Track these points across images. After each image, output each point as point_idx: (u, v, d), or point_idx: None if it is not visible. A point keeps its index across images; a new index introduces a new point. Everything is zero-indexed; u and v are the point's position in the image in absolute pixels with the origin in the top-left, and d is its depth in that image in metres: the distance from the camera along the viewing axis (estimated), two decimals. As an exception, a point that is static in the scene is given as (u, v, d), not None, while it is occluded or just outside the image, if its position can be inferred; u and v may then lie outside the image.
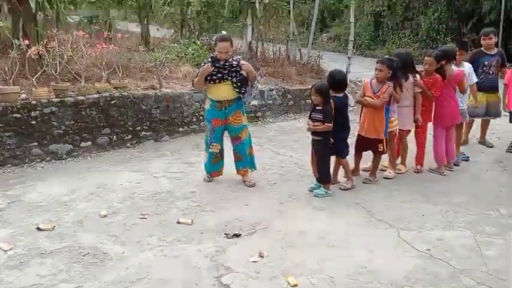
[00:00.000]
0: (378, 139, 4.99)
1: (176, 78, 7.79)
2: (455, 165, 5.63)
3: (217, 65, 4.74)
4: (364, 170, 5.39)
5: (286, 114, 8.33)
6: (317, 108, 4.71)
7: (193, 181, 5.13)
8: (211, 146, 5.03)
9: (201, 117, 6.96)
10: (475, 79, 5.92)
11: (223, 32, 5.28)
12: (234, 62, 4.81)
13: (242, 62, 4.87)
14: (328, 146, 4.76)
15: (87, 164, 5.65)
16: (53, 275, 3.24)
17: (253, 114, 7.80)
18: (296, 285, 3.15)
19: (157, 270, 3.32)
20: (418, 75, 5.23)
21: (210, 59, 4.84)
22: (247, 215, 4.27)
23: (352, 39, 10.56)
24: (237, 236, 3.88)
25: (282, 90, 8.38)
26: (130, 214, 4.26)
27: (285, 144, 6.65)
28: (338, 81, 4.83)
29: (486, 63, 6.14)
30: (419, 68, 5.56)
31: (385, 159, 5.36)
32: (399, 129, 5.29)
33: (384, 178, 5.24)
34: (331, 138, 4.74)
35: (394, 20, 16.68)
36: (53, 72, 6.04)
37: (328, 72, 5.61)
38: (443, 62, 5.24)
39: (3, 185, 4.89)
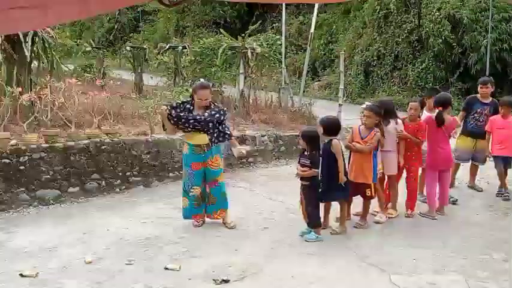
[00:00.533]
0: (366, 184, 4.97)
1: (168, 125, 7.84)
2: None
3: (198, 118, 4.80)
4: (355, 215, 5.34)
5: (277, 159, 8.36)
6: (304, 153, 4.77)
7: (182, 226, 5.04)
8: (192, 190, 4.96)
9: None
10: None
11: (202, 80, 5.40)
12: (215, 113, 4.88)
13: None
14: (316, 191, 4.77)
15: (75, 210, 5.56)
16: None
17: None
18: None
19: (141, 318, 3.20)
20: (399, 121, 5.31)
21: (189, 102, 4.89)
22: (237, 260, 4.18)
23: (343, 87, 10.81)
24: (226, 281, 3.78)
25: (274, 136, 8.45)
26: (117, 260, 4.15)
27: (276, 189, 6.61)
28: (329, 126, 4.88)
29: (479, 110, 6.25)
30: (402, 115, 5.67)
31: (376, 203, 5.33)
32: (386, 174, 5.32)
33: (375, 223, 5.19)
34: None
35: (383, 70, 17.14)
36: (44, 119, 6.08)
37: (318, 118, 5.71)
38: (440, 108, 5.35)
39: (-13, 231, 4.79)
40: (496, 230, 4.98)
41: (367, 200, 5.11)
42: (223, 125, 5.01)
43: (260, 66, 11.30)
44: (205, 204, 5.06)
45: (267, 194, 6.36)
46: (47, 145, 5.75)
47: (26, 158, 5.55)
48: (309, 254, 4.36)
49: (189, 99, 5.02)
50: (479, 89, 6.37)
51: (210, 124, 4.84)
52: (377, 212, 5.37)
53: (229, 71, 13.59)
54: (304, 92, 12.27)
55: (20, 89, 5.96)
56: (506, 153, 6.07)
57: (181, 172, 6.98)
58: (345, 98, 11.90)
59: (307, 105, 10.48)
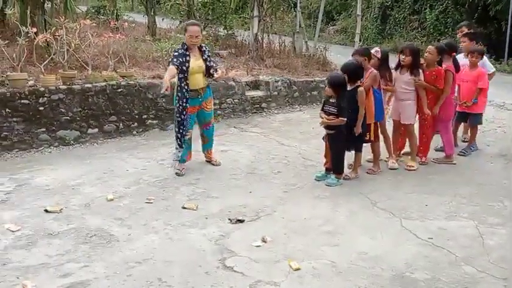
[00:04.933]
0: (366, 127, 4.93)
1: (182, 68, 7.82)
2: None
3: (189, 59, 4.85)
4: (368, 161, 5.42)
5: (291, 105, 8.35)
6: (330, 101, 4.69)
7: (198, 168, 5.18)
8: (187, 134, 5.04)
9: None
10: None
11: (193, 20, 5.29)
12: (205, 49, 5.03)
13: (215, 75, 5.02)
14: (342, 139, 4.75)
15: (94, 150, 5.72)
16: (61, 255, 3.31)
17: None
18: (298, 270, 3.20)
19: (162, 252, 3.38)
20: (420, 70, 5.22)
21: (181, 47, 4.88)
22: (251, 202, 4.32)
23: (359, 32, 10.56)
24: (241, 221, 3.93)
25: (288, 81, 8.39)
26: (136, 199, 4.32)
27: (289, 135, 6.68)
28: (352, 71, 4.80)
29: None
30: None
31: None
32: (402, 123, 5.34)
33: (389, 169, 5.27)
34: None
35: (402, 14, 16.61)
36: (61, 60, 6.10)
37: (339, 64, 5.65)
38: (454, 54, 5.26)
39: (11, 168, 4.97)
40: (508, 178, 5.04)
41: (372, 145, 5.15)
42: (213, 61, 5.17)
43: (274, 9, 11.03)
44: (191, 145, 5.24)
45: (280, 139, 6.44)
46: (65, 87, 5.82)
47: (45, 99, 5.64)
48: (321, 198, 4.48)
49: (180, 46, 4.94)
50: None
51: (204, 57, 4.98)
52: (388, 159, 5.44)
53: (242, 14, 13.30)
54: (319, 36, 12.02)
55: (35, 29, 5.93)
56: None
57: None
58: (360, 43, 11.63)
59: (321, 50, 10.30)
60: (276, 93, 8.16)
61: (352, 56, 5.10)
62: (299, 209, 4.22)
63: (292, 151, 5.92)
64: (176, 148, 5.06)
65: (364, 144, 5.09)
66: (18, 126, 5.48)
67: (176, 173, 4.97)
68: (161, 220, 3.91)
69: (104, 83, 6.15)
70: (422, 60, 5.33)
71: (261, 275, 3.12)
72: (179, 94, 4.89)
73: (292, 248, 3.50)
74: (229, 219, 3.96)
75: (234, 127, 7.03)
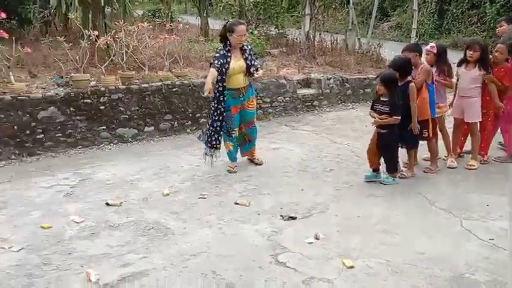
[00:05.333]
0: (424, 124, 4.79)
1: (234, 68, 7.93)
2: None
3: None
4: (425, 160, 5.25)
5: (343, 103, 8.25)
6: (382, 99, 4.58)
7: (250, 166, 5.24)
8: (232, 132, 5.07)
9: (258, 105, 7.05)
10: None
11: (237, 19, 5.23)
12: (246, 48, 4.96)
13: (256, 75, 4.96)
14: (395, 138, 4.64)
15: (151, 148, 5.93)
16: (121, 246, 3.46)
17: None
18: (352, 267, 3.16)
19: (216, 246, 3.45)
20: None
21: (223, 47, 4.86)
22: (303, 199, 4.31)
23: (415, 27, 10.23)
24: (293, 218, 3.93)
25: (340, 79, 8.29)
26: (191, 194, 4.44)
27: (342, 133, 6.60)
28: (401, 66, 4.68)
29: None
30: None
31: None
32: (466, 121, 5.12)
33: (448, 168, 5.09)
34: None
35: (460, 8, 15.92)
36: (120, 61, 6.37)
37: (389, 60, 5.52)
38: None
39: (75, 164, 5.25)
40: None
41: (428, 142, 4.98)
42: (255, 60, 5.08)
43: (326, 7, 10.92)
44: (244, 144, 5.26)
45: (332, 137, 6.37)
46: (123, 86, 6.08)
47: (106, 98, 5.92)
48: (376, 196, 4.40)
49: (221, 46, 4.94)
50: None
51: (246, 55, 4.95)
52: (446, 157, 5.25)
53: (293, 13, 13.27)
54: (372, 33, 11.77)
55: (96, 32, 6.23)
56: None
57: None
58: (416, 39, 11.26)
59: (375, 47, 10.09)
60: (328, 91, 8.09)
61: (402, 52, 4.96)
62: (352, 207, 4.17)
63: (345, 149, 5.84)
64: (206, 147, 5.06)
65: (420, 142, 4.95)
66: (81, 124, 5.79)
67: (228, 171, 5.04)
68: (214, 215, 3.99)
69: (160, 83, 6.36)
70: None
71: (314, 271, 3.12)
72: (215, 94, 4.93)
73: (346, 246, 3.46)
74: (281, 215, 3.98)
75: (285, 125, 7.04)
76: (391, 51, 10.17)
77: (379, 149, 4.72)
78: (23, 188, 4.56)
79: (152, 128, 6.29)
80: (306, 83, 8.17)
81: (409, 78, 4.69)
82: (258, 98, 7.07)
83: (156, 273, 3.09)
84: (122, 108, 6.04)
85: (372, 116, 4.66)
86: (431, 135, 4.92)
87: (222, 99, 4.89)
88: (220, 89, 4.87)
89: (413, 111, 4.62)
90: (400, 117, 4.51)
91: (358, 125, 6.93)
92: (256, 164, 5.25)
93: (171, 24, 7.99)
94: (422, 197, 4.35)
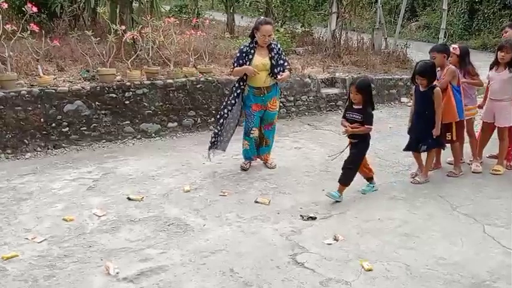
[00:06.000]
0: (448, 127, 4.69)
1: (258, 65, 7.93)
2: None
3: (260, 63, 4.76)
4: (448, 163, 5.15)
5: (368, 103, 8.13)
6: (355, 107, 4.24)
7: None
8: (252, 132, 5.00)
9: (281, 104, 7.03)
10: None
11: (265, 18, 5.07)
12: (275, 54, 4.79)
13: (279, 77, 4.78)
14: (365, 150, 4.36)
15: (173, 143, 5.98)
16: (141, 240, 3.50)
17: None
18: (370, 270, 3.12)
19: (235, 244, 3.46)
20: None
21: (249, 44, 4.81)
22: (324, 200, 4.27)
23: (444, 27, 10.02)
24: (313, 218, 3.91)
25: (365, 79, 8.18)
26: (211, 191, 4.46)
27: (365, 133, 6.51)
28: (428, 71, 4.54)
29: None
30: None
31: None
32: (497, 125, 4.99)
33: (473, 172, 4.97)
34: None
35: (491, 8, 15.49)
36: (146, 56, 6.44)
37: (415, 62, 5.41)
38: None
39: (99, 158, 5.34)
40: None
41: (452, 145, 4.88)
42: (283, 60, 4.89)
43: (354, 6, 10.79)
44: (260, 146, 5.13)
45: (356, 137, 6.29)
46: (148, 82, 6.15)
47: (131, 93, 6.00)
48: (397, 199, 4.33)
49: (246, 43, 4.93)
50: None
51: (273, 54, 4.80)
52: (471, 161, 5.13)
53: (320, 10, 13.17)
54: (399, 33, 11.59)
55: (123, 27, 6.32)
56: None
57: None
58: (445, 40, 11.03)
59: (402, 47, 9.92)
60: (352, 90, 7.99)
61: (429, 53, 4.85)
62: (373, 209, 4.12)
63: (368, 150, 5.75)
64: (210, 144, 5.01)
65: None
66: (106, 119, 5.88)
67: (242, 168, 5.04)
68: (234, 213, 4.00)
69: (184, 79, 6.41)
70: None
71: (332, 273, 3.09)
72: (233, 89, 4.93)
73: (365, 248, 3.42)
74: (301, 215, 3.96)
75: (308, 124, 7.00)
76: (418, 51, 10.02)
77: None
78: (47, 180, 4.67)
79: (175, 124, 6.35)
80: (331, 82, 8.10)
81: (434, 82, 4.59)
82: (282, 96, 7.05)
83: (175, 268, 3.12)
84: (146, 104, 6.11)
85: (343, 125, 4.34)
86: (454, 139, 4.81)
87: (237, 96, 4.86)
88: (237, 85, 4.86)
89: (437, 117, 4.52)
90: (372, 127, 4.24)
91: (382, 126, 6.83)
92: (269, 168, 5.11)
93: (198, 20, 8.02)
94: (444, 201, 4.27)
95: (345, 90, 7.91)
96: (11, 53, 5.59)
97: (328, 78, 8.11)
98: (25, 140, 5.44)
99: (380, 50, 10.12)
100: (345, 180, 4.27)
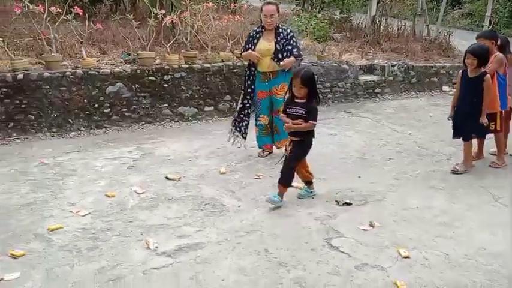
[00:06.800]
0: (492, 116, 4.53)
1: (296, 51, 7.87)
2: None
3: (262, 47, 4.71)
4: (492, 154, 4.99)
5: (407, 91, 7.97)
6: (297, 101, 3.76)
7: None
8: (259, 118, 4.95)
9: (317, 90, 6.98)
10: None
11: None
12: (281, 39, 4.67)
13: (283, 62, 4.65)
14: (308, 149, 3.92)
15: (209, 127, 6.06)
16: (178, 218, 3.59)
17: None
18: (408, 257, 3.08)
19: (269, 226, 3.49)
20: None
21: (257, 28, 4.81)
22: (359, 186, 4.24)
23: (489, 15, 9.63)
24: (348, 204, 3.89)
25: (405, 66, 8.00)
26: (246, 174, 4.50)
27: (404, 122, 6.40)
28: (481, 55, 4.35)
29: None
30: None
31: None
32: None
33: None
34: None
35: (541, -5, 14.77)
36: (184, 41, 6.51)
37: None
38: None
39: (139, 139, 5.48)
40: None
41: (495, 135, 4.72)
42: (292, 45, 4.72)
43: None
44: (273, 134, 4.99)
45: (394, 126, 6.20)
46: (186, 66, 6.23)
47: (169, 77, 6.10)
48: (437, 189, 4.24)
49: (256, 27, 4.90)
50: None
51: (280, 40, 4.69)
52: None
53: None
54: (442, 20, 11.22)
55: (163, 11, 6.40)
56: None
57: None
58: (490, 27, 10.60)
59: (444, 34, 9.61)
60: (391, 78, 7.84)
61: (476, 39, 4.68)
62: (411, 197, 4.05)
63: (406, 139, 5.66)
64: (232, 130, 5.02)
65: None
66: (145, 101, 6.01)
67: (259, 155, 5.01)
68: (268, 196, 4.01)
69: (221, 63, 6.45)
70: None
71: (368, 258, 3.07)
72: (245, 77, 4.92)
73: (402, 236, 3.38)
74: (336, 201, 3.94)
75: (345, 111, 6.93)
76: (461, 39, 9.69)
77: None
78: (90, 158, 4.84)
79: (212, 108, 6.41)
80: (369, 69, 7.97)
81: (483, 68, 4.43)
82: (318, 82, 6.99)
83: (211, 246, 3.18)
84: (183, 87, 6.20)
85: (284, 121, 3.86)
86: (498, 129, 4.65)
87: (249, 83, 4.87)
88: (248, 72, 4.86)
89: (485, 104, 4.37)
90: (316, 122, 3.78)
91: (422, 114, 6.69)
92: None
93: (235, 5, 8.03)
94: (486, 192, 4.15)
95: (383, 78, 7.77)
96: (56, 35, 5.77)
97: (367, 65, 7.97)
98: (69, 120, 5.64)
99: (421, 37, 9.85)
100: (285, 180, 3.82)
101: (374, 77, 7.80)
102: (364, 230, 3.46)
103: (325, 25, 9.17)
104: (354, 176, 4.52)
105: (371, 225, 3.53)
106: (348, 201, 3.93)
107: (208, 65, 6.37)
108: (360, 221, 3.59)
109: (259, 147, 5.06)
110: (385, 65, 7.82)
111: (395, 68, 7.89)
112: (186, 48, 6.48)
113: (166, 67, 6.12)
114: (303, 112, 3.72)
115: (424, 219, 3.64)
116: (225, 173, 4.51)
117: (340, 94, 7.42)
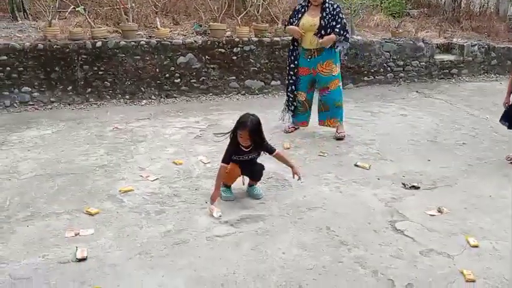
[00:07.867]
0: None
1: (368, 27, 7.62)
2: None
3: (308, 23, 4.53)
4: None
5: (486, 73, 7.48)
6: (245, 150, 3.43)
7: (373, 130, 5.08)
8: (297, 94, 4.84)
9: (389, 68, 6.74)
10: None
11: None
12: (326, 14, 4.47)
13: (321, 40, 4.46)
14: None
15: (275, 101, 6.05)
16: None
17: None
18: (476, 246, 2.94)
19: (332, 203, 3.46)
20: None
21: (303, 2, 4.62)
22: (429, 170, 4.08)
23: None
24: (416, 188, 3.75)
25: (486, 47, 7.49)
26: (311, 150, 4.47)
27: (481, 105, 6.03)
28: None
29: None
30: None
31: None
32: None
33: None
34: None
35: None
36: (255, 13, 6.48)
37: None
38: None
39: (206, 110, 5.60)
40: None
41: None
42: (337, 21, 4.48)
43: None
44: (310, 112, 4.92)
45: (470, 109, 5.86)
46: (256, 39, 6.22)
47: (238, 49, 6.13)
48: (513, 178, 3.98)
49: (303, 1, 4.69)
50: None
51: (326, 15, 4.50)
52: None
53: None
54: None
55: (235, -17, 6.40)
56: None
57: (377, 77, 6.91)
58: None
59: (534, 13, 8.85)
60: (470, 58, 7.37)
61: None
62: (484, 185, 3.83)
63: (483, 123, 5.34)
64: (284, 109, 5.01)
65: None
66: (214, 73, 6.10)
67: (285, 131, 4.95)
68: (333, 174, 3.98)
69: (291, 37, 6.34)
70: None
71: (434, 244, 2.97)
72: (289, 53, 4.79)
73: (472, 224, 3.22)
74: (403, 183, 3.82)
75: (417, 92, 6.64)
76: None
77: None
78: (159, 126, 5.02)
79: (278, 82, 6.39)
80: (446, 48, 7.54)
81: None
82: (390, 60, 6.74)
83: (272, 219, 3.22)
84: (252, 60, 6.21)
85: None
86: None
87: (292, 58, 4.76)
88: (292, 47, 4.75)
89: None
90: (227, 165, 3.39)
91: (501, 99, 6.22)
92: (335, 139, 4.76)
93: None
94: None
95: (462, 58, 7.32)
96: (133, 5, 5.97)
97: (444, 44, 7.54)
98: (142, 88, 5.87)
99: (506, 16, 9.13)
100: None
101: (451, 57, 7.37)
102: (431, 215, 3.34)
103: (401, 0, 8.75)
104: (423, 159, 4.35)
105: (439, 211, 3.39)
106: (415, 184, 3.80)
107: (277, 39, 6.32)
108: (428, 205, 3.46)
109: (293, 123, 5.02)
110: (465, 44, 7.35)
111: (475, 48, 7.39)
112: (256, 21, 6.45)
113: (236, 39, 6.15)
114: (256, 154, 3.48)
115: (496, 209, 3.44)
116: (289, 148, 4.51)
117: (413, 73, 7.10)
